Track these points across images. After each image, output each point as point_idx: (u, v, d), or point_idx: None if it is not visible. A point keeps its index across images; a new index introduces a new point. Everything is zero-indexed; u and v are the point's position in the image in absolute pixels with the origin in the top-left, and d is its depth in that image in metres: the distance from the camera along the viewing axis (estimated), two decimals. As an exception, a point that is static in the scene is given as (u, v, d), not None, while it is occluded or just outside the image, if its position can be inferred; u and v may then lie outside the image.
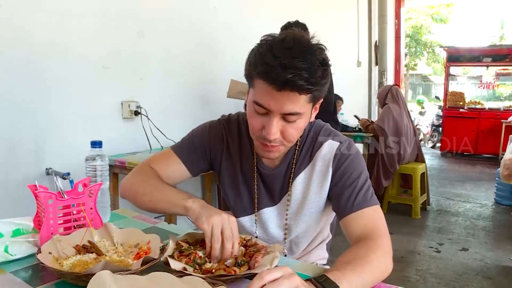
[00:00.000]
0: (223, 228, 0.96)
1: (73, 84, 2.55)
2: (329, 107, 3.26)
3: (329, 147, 1.15)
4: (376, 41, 7.11)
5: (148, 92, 3.05)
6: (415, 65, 20.75)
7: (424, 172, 4.39)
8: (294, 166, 1.18)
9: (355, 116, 4.75)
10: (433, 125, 9.53)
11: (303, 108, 1.00)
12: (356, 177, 1.11)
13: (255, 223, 1.24)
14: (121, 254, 1.02)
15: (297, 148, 1.17)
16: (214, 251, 0.95)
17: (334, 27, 5.76)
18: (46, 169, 2.41)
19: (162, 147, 3.02)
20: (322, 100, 1.08)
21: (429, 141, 9.62)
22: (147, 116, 2.95)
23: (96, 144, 1.28)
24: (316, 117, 1.17)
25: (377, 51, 7.14)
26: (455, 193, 5.29)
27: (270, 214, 1.22)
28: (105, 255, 1.00)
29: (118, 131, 2.86)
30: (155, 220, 1.38)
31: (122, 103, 2.87)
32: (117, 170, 2.65)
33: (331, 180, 1.14)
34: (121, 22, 2.83)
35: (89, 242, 1.04)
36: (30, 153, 2.37)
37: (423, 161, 4.49)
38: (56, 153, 2.45)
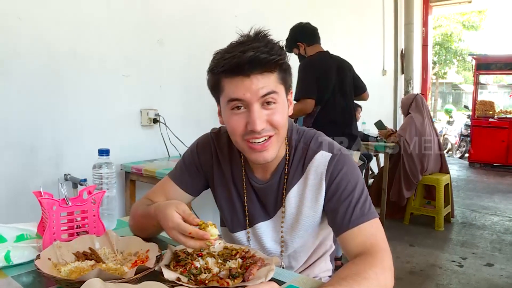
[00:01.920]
0: (177, 228, 0.94)
1: (92, 92, 2.60)
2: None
3: (321, 159, 1.10)
4: (402, 49, 7.01)
5: (167, 100, 3.09)
6: (445, 73, 20.37)
7: (448, 184, 4.28)
8: (286, 178, 1.14)
9: (376, 124, 4.66)
10: (461, 135, 9.30)
11: (278, 88, 1.01)
12: (351, 190, 1.07)
13: (249, 238, 1.22)
14: (120, 262, 1.03)
15: (288, 158, 1.14)
16: (193, 247, 0.94)
17: (359, 35, 5.72)
18: (65, 175, 2.46)
19: (180, 155, 3.04)
20: (292, 91, 1.10)
21: (457, 151, 9.39)
22: (165, 124, 2.99)
23: (103, 152, 1.31)
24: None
25: (403, 60, 7.04)
26: (482, 206, 5.13)
27: (265, 228, 1.19)
28: (104, 263, 1.01)
29: (137, 139, 2.90)
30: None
31: (141, 111, 2.91)
32: (134, 177, 2.69)
33: (325, 195, 1.10)
34: (141, 31, 2.88)
35: (90, 249, 1.06)
36: (49, 159, 2.43)
37: (447, 172, 4.38)
38: (74, 159, 2.50)
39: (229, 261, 1.01)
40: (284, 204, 1.15)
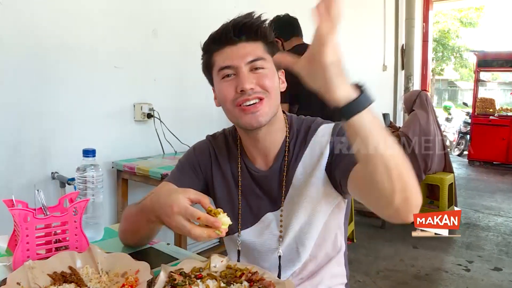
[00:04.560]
0: (184, 213, 0.84)
1: (82, 84, 2.44)
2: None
3: (324, 129, 1.08)
4: (403, 44, 6.88)
5: (162, 94, 2.93)
6: (442, 70, 20.29)
7: (452, 183, 4.15)
8: (287, 159, 1.08)
9: (383, 115, 4.52)
10: (460, 132, 9.18)
11: (264, 55, 1.02)
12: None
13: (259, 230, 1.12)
14: (105, 284, 0.87)
15: (288, 141, 1.09)
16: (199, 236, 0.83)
17: (359, 29, 5.56)
18: (52, 173, 2.30)
19: (175, 152, 2.88)
20: (283, 71, 1.09)
21: (456, 149, 9.27)
22: (160, 119, 2.83)
23: (89, 152, 1.15)
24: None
25: (403, 55, 6.92)
26: (484, 206, 5.00)
27: (273, 218, 1.11)
28: (86, 286, 0.86)
29: (129, 135, 2.75)
30: (153, 240, 1.23)
31: (134, 105, 2.75)
32: (127, 176, 2.53)
33: (329, 154, 1.03)
34: (134, 21, 2.72)
35: (70, 268, 0.90)
36: (35, 156, 2.27)
37: (451, 171, 4.24)
38: (62, 156, 2.34)
39: (233, 285, 0.86)
40: (290, 188, 1.07)
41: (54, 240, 0.99)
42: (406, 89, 6.80)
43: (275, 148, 1.09)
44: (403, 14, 6.83)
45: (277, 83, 1.04)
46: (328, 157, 1.03)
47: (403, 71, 6.95)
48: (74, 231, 0.98)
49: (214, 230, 0.82)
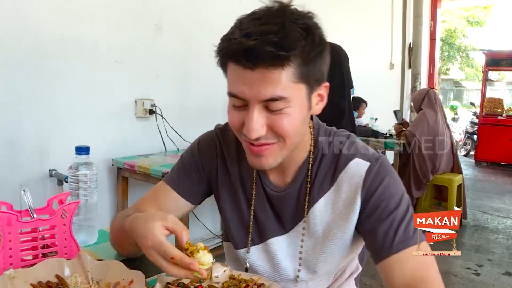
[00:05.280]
0: (157, 249, 0.72)
1: (82, 79, 2.36)
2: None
3: (356, 169, 0.88)
4: (410, 43, 6.77)
5: (165, 90, 2.84)
6: (447, 69, 20.14)
7: (460, 184, 4.05)
8: (310, 187, 0.90)
9: (394, 112, 4.43)
10: (466, 132, 9.07)
11: (288, 91, 0.75)
12: (394, 207, 0.84)
13: (262, 254, 0.98)
14: (95, 296, 0.79)
15: (311, 163, 0.91)
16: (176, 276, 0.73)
17: (366, 27, 5.46)
18: (50, 170, 2.22)
19: (178, 149, 2.80)
20: (326, 84, 0.84)
21: (462, 149, 9.16)
22: (162, 116, 2.74)
23: (82, 150, 1.06)
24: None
25: (410, 54, 6.81)
26: (492, 207, 4.90)
27: (280, 244, 0.96)
28: (74, 297, 0.78)
29: (131, 131, 2.66)
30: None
31: (135, 101, 2.67)
32: (127, 174, 2.45)
33: (361, 212, 0.87)
34: (137, 13, 2.63)
35: (57, 277, 0.82)
36: (32, 153, 2.19)
37: (459, 171, 4.15)
38: (60, 154, 2.26)
39: (236, 298, 0.78)
40: (305, 219, 0.92)
41: (41, 245, 0.90)
42: (413, 88, 6.70)
43: (294, 165, 0.92)
44: (410, 12, 6.71)
45: (301, 119, 0.81)
46: (360, 215, 0.87)
47: (410, 69, 6.84)
48: (63, 236, 0.90)
49: (192, 272, 0.70)
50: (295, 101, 0.77)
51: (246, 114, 0.78)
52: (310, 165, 0.91)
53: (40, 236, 0.90)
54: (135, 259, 0.96)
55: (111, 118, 2.54)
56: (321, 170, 0.90)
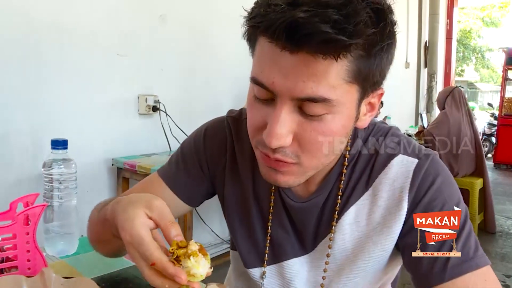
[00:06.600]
0: (137, 247, 0.54)
1: (79, 72, 2.21)
2: None
3: (400, 167, 0.68)
4: (426, 41, 6.58)
5: (169, 85, 2.69)
6: (462, 71, 19.84)
7: (481, 188, 3.82)
8: (340, 196, 0.71)
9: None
10: (484, 134, 8.82)
11: (336, 92, 0.55)
12: None
13: (272, 277, 0.79)
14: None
15: (345, 167, 0.71)
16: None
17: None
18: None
19: (182, 148, 2.64)
20: (383, 91, 0.64)
21: (480, 152, 8.91)
22: (166, 113, 2.59)
23: (58, 144, 0.89)
24: None
25: (426, 52, 6.61)
26: (516, 212, 4.67)
27: (299, 267, 0.77)
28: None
29: (133, 129, 2.51)
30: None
31: (138, 97, 2.51)
32: (127, 174, 2.29)
33: (405, 222, 0.67)
34: (141, 3, 2.48)
35: (13, 300, 0.64)
36: (25, 149, 2.05)
37: (481, 174, 3.91)
38: (55, 151, 2.10)
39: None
40: (332, 235, 0.72)
41: (1, 258, 0.73)
42: (429, 88, 6.53)
43: (322, 171, 0.71)
44: (426, 9, 6.55)
45: (344, 133, 0.62)
46: (404, 226, 0.68)
47: (426, 69, 6.65)
48: (25, 247, 0.73)
49: (180, 286, 0.52)
50: (342, 107, 0.57)
51: (270, 112, 0.58)
52: (344, 168, 0.71)
53: (-2, 248, 0.73)
54: (111, 278, 0.78)
55: (112, 114, 2.39)
56: (354, 174, 0.71)
